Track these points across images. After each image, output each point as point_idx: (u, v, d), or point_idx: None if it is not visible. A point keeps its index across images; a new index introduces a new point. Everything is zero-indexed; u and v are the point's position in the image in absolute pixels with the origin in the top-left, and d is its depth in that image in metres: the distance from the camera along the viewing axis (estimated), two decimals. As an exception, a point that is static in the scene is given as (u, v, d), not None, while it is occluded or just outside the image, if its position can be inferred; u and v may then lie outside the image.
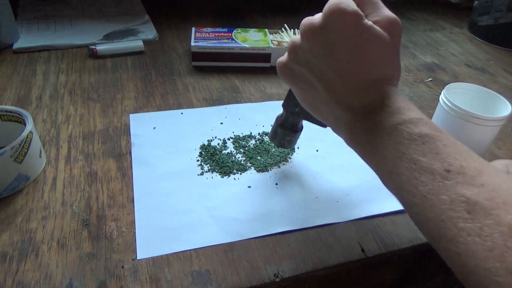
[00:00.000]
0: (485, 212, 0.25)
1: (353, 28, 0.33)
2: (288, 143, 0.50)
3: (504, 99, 0.53)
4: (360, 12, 0.33)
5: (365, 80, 0.34)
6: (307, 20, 0.35)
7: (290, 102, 0.47)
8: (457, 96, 0.54)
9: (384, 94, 0.33)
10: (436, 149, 0.29)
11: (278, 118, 0.50)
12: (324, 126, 0.46)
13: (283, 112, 0.49)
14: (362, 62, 0.33)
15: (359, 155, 0.35)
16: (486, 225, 0.24)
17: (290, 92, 0.47)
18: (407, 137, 0.30)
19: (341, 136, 0.37)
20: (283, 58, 0.39)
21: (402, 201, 0.31)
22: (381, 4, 0.36)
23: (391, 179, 0.31)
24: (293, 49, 0.37)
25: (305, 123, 0.49)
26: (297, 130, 0.49)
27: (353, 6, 0.33)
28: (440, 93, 0.54)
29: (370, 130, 0.33)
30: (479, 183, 0.26)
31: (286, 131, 0.49)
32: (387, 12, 0.35)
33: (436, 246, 0.28)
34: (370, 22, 0.33)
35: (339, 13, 0.32)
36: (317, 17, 0.35)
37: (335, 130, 0.38)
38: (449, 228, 0.26)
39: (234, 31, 0.77)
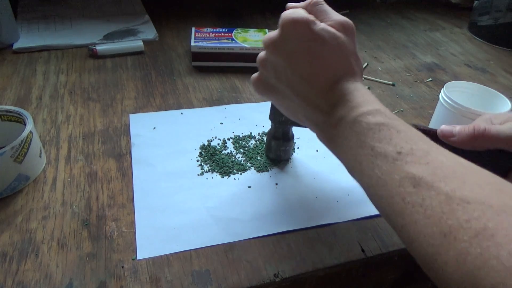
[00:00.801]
0: (428, 185, 0.27)
1: (306, 34, 0.36)
2: (284, 153, 0.53)
3: (503, 96, 0.53)
4: (311, 18, 0.36)
5: (327, 81, 0.36)
6: (267, 36, 0.39)
7: (275, 113, 0.49)
8: (457, 94, 0.54)
9: (346, 91, 0.36)
10: (390, 135, 0.32)
11: (269, 133, 0.52)
12: None
13: (271, 124, 0.51)
14: (321, 64, 0.36)
15: (329, 149, 0.38)
16: (427, 196, 0.27)
17: (273, 103, 0.48)
18: (366, 127, 0.33)
19: (315, 133, 0.40)
20: (256, 74, 0.42)
21: (363, 186, 0.33)
22: (331, 10, 0.39)
23: (355, 167, 0.34)
24: (261, 63, 0.40)
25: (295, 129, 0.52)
26: (289, 138, 0.52)
27: (304, 14, 0.36)
28: (440, 92, 0.54)
29: (336, 125, 0.36)
30: (425, 162, 0.29)
31: (279, 142, 0.51)
32: (338, 17, 0.38)
33: (389, 222, 0.30)
34: (321, 26, 0.36)
35: (292, 22, 0.36)
36: (276, 31, 0.38)
37: (311, 129, 0.41)
38: (397, 203, 0.29)
39: (234, 31, 0.77)
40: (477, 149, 0.39)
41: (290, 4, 0.41)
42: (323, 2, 0.40)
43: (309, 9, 0.39)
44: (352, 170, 0.35)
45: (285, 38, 0.37)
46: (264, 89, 0.42)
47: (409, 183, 0.28)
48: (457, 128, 0.40)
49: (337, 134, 0.36)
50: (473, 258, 0.23)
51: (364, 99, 0.35)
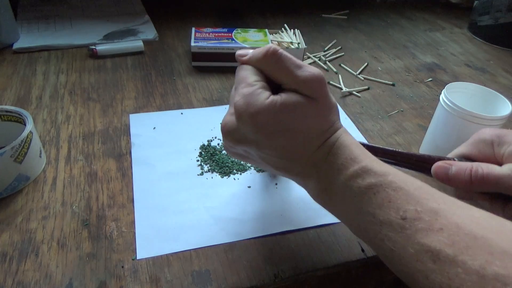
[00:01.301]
0: (450, 260, 0.24)
1: (270, 123, 0.32)
2: None
3: (504, 98, 0.53)
4: (267, 101, 0.32)
5: (306, 149, 0.33)
6: (223, 124, 0.35)
7: None
8: (457, 95, 0.54)
9: (327, 152, 0.33)
10: (388, 197, 0.28)
11: None
12: None
13: None
14: (294, 140, 0.33)
15: (328, 211, 0.35)
16: (454, 274, 0.24)
17: None
18: (358, 192, 0.30)
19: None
20: (225, 143, 0.38)
21: (377, 253, 0.31)
22: (292, 63, 0.33)
23: (361, 234, 0.31)
24: (225, 145, 0.37)
25: None
26: None
27: (261, 99, 0.32)
28: (440, 93, 0.54)
29: (326, 191, 0.33)
30: (438, 227, 0.26)
31: None
32: (301, 72, 0.33)
33: None
34: (283, 102, 0.32)
35: (250, 116, 0.32)
36: (232, 118, 0.34)
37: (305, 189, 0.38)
38: (422, 281, 0.26)
39: (234, 31, 0.77)
40: (474, 191, 0.37)
41: (240, 56, 0.36)
42: (281, 53, 0.33)
43: (265, 63, 0.34)
44: (359, 235, 0.32)
45: (245, 131, 0.33)
46: (239, 158, 0.39)
47: (428, 257, 0.25)
48: (453, 170, 0.36)
49: (331, 199, 0.33)
50: None
51: (347, 157, 0.32)
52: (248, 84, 0.33)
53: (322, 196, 0.34)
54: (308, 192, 0.36)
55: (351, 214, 0.31)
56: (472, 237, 0.25)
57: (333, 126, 0.34)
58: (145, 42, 0.79)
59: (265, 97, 0.32)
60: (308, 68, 0.33)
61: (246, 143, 0.34)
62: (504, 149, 0.37)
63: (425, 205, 0.27)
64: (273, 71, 0.34)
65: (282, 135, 0.33)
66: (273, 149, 0.33)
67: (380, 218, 0.28)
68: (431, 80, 0.77)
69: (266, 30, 0.79)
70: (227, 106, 0.64)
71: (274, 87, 0.35)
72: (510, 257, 0.23)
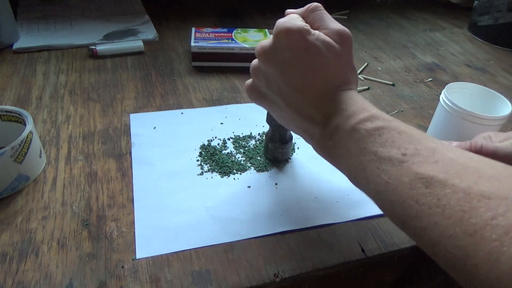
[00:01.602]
0: (441, 184, 0.26)
1: (300, 44, 0.35)
2: (281, 154, 0.53)
3: (504, 98, 0.53)
4: (306, 27, 0.36)
5: (321, 91, 0.36)
6: (259, 45, 0.38)
7: (272, 116, 0.48)
8: (458, 95, 0.54)
9: (340, 101, 0.35)
10: (392, 138, 0.31)
11: (266, 134, 0.52)
12: None
13: (269, 127, 0.51)
14: (314, 76, 0.36)
15: (328, 161, 0.37)
16: (443, 195, 0.26)
17: None
18: (365, 133, 0.32)
19: (311, 145, 0.39)
20: (249, 81, 0.42)
21: (370, 194, 0.32)
22: (330, 18, 0.38)
23: (358, 175, 0.33)
24: (253, 72, 0.40)
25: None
26: (287, 141, 0.52)
27: (298, 23, 0.36)
28: (440, 93, 0.54)
29: (333, 136, 0.35)
30: (434, 160, 0.28)
31: (276, 144, 0.51)
32: (335, 25, 0.37)
33: (404, 228, 0.29)
34: (316, 35, 0.36)
35: (285, 32, 0.35)
36: (269, 39, 0.38)
37: (306, 140, 0.40)
38: (412, 206, 0.27)
39: (234, 31, 0.77)
40: None
41: (288, 11, 0.40)
42: (321, 8, 0.39)
43: (306, 15, 0.39)
44: (355, 179, 0.34)
45: (278, 47, 0.36)
46: (257, 97, 0.41)
47: (421, 183, 0.27)
48: (453, 145, 0.39)
49: (334, 145, 0.35)
50: (508, 257, 0.22)
51: (359, 107, 0.34)
52: (291, 17, 0.37)
53: (325, 142, 0.36)
54: (312, 141, 0.38)
55: (352, 156, 0.33)
56: (464, 166, 0.27)
57: (350, 83, 0.37)
58: (145, 42, 0.79)
59: (304, 23, 0.36)
60: (341, 25, 0.38)
61: (274, 63, 0.37)
62: (499, 137, 0.40)
63: (424, 144, 0.30)
64: (313, 20, 0.38)
65: (306, 64, 0.35)
66: (295, 77, 0.36)
67: (381, 155, 0.30)
68: (431, 80, 0.77)
69: (266, 30, 0.79)
70: (227, 106, 0.64)
71: None
72: (497, 180, 0.25)
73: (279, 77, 0.37)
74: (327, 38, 0.36)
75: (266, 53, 0.37)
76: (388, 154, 0.30)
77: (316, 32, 0.36)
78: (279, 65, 0.36)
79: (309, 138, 0.39)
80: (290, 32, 0.35)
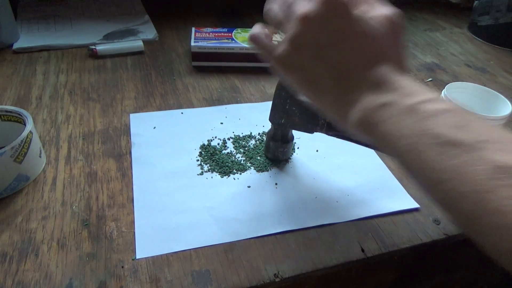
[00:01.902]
0: None
1: (345, 18, 0.33)
2: (282, 154, 0.53)
3: (504, 98, 0.53)
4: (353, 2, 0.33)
5: (375, 57, 0.33)
6: (302, 11, 0.33)
7: (275, 115, 0.49)
8: (458, 95, 0.54)
9: (395, 78, 0.32)
10: (459, 122, 0.28)
11: (268, 133, 0.52)
12: (311, 132, 0.48)
13: (271, 125, 0.51)
14: (369, 43, 0.33)
15: (370, 138, 0.33)
16: None
17: (273, 105, 0.48)
18: (425, 114, 0.29)
19: (345, 124, 0.36)
20: (280, 49, 0.37)
21: (424, 181, 0.29)
22: (377, 3, 0.35)
23: (411, 159, 0.29)
24: (296, 40, 0.35)
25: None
26: (288, 140, 0.51)
27: None
28: (440, 93, 0.54)
29: (378, 110, 0.32)
30: (510, 149, 0.25)
31: (277, 143, 0.51)
32: (383, 10, 0.34)
33: (472, 225, 0.26)
34: (362, 15, 0.33)
35: (341, 2, 0.32)
36: (312, 5, 0.33)
37: (339, 117, 0.36)
38: (491, 199, 0.24)
39: (234, 31, 0.77)
40: None
41: None
42: None
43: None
44: (407, 162, 0.30)
45: (330, 15, 0.33)
46: (288, 67, 0.37)
47: (505, 174, 0.24)
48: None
49: (381, 120, 0.31)
50: None
51: (419, 89, 0.31)
52: None
53: (369, 114, 0.32)
54: (344, 109, 0.35)
55: (405, 137, 0.30)
56: None
57: (406, 69, 0.35)
58: (145, 42, 0.79)
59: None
60: (387, 8, 0.35)
61: (329, 32, 0.33)
62: None
63: (498, 132, 0.27)
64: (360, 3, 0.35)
65: (363, 37, 0.33)
66: (348, 46, 0.33)
67: (447, 139, 0.27)
68: (431, 80, 0.77)
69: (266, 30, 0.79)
70: (227, 106, 0.64)
71: None
72: None
73: (331, 46, 0.33)
74: (373, 23, 0.33)
75: (318, 22, 0.33)
76: (455, 138, 0.27)
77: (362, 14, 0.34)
78: (332, 35, 0.33)
79: (342, 110, 0.35)
80: (337, 4, 0.32)
